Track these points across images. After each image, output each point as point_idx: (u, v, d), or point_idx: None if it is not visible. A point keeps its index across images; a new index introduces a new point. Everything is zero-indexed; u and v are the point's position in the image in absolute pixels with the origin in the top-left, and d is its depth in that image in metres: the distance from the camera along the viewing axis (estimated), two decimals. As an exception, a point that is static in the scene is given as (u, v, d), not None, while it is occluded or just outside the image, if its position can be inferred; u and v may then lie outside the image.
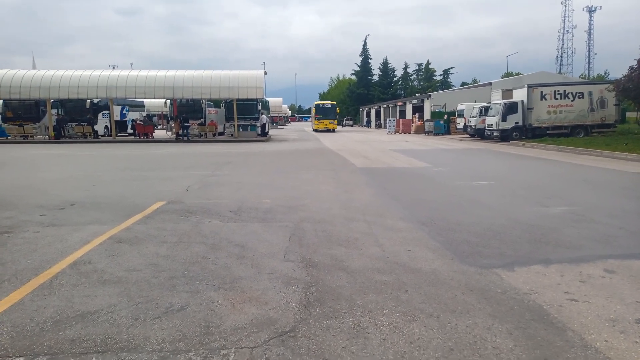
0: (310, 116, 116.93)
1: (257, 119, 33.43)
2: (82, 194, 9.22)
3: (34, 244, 5.56)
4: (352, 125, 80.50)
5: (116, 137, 32.68)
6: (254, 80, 30.61)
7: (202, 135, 32.62)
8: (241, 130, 32.59)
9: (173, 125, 33.15)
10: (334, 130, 49.16)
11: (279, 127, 67.17)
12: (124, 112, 37.39)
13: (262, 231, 6.23)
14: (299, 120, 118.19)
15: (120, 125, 35.76)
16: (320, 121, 49.45)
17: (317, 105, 52.61)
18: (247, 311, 3.68)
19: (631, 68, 20.83)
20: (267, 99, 49.46)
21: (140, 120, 36.35)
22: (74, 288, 4.16)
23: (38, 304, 3.82)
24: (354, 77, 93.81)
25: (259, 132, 33.21)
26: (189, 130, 31.84)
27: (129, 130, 36.33)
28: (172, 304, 3.82)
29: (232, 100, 31.80)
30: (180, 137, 31.16)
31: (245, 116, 33.14)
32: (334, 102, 56.84)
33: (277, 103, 70.10)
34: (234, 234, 6.04)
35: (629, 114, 35.43)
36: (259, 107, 34.95)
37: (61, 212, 7.45)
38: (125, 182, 11.06)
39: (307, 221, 6.81)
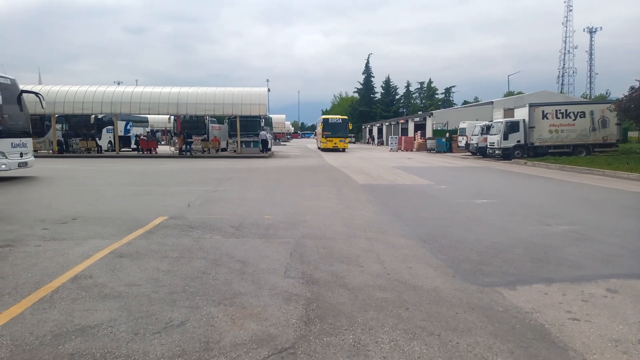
0: (313, 133, 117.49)
1: (259, 135, 33.64)
2: (84, 208, 9.25)
3: (35, 258, 5.57)
4: (354, 143, 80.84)
5: (120, 152, 32.85)
6: (258, 97, 30.87)
7: (205, 151, 32.77)
8: (244, 146, 32.75)
9: (176, 140, 33.33)
10: (344, 150, 41.76)
11: (282, 143, 67.45)
12: (128, 127, 37.66)
13: (263, 247, 6.22)
14: (301, 137, 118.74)
15: (124, 141, 35.99)
16: (329, 139, 41.59)
17: (325, 120, 43.29)
18: (247, 327, 3.66)
19: (632, 88, 20.99)
20: (270, 115, 49.80)
21: (144, 136, 36.58)
22: (74, 302, 4.16)
23: (38, 317, 3.81)
24: (356, 94, 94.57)
25: (261, 148, 33.37)
26: (192, 146, 32.01)
27: (133, 146, 36.54)
28: (172, 319, 3.80)
29: (235, 117, 32.02)
30: (184, 153, 31.31)
31: (248, 132, 33.35)
32: (345, 117, 46.52)
33: (280, 120, 70.56)
34: (235, 250, 6.04)
35: (630, 134, 35.56)
36: (262, 124, 35.20)
37: (63, 227, 7.46)
38: (127, 197, 11.09)
39: (308, 237, 6.80)
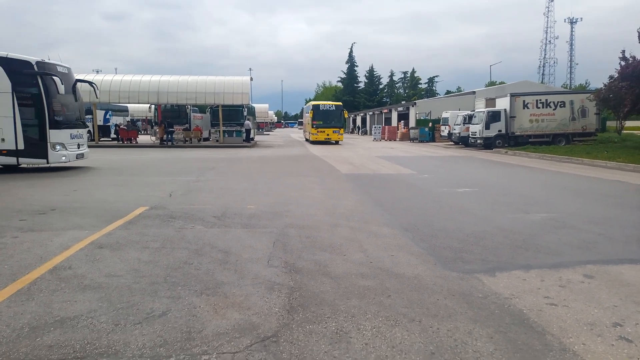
0: (296, 122, 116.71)
1: (242, 124, 33.39)
2: (63, 199, 9.08)
3: (12, 250, 5.46)
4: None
5: (99, 142, 32.26)
6: (240, 86, 30.55)
7: (187, 141, 32.39)
8: (226, 135, 32.47)
9: (157, 130, 32.87)
10: (337, 143, 35.37)
11: (265, 133, 67.05)
12: (107, 116, 36.97)
13: (246, 237, 6.20)
14: (285, 127, 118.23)
15: (104, 130, 35.34)
16: (320, 129, 34.95)
17: (316, 107, 36.32)
18: (230, 316, 3.65)
19: (611, 77, 21.34)
20: (253, 105, 49.27)
21: (123, 125, 35.96)
22: (53, 294, 4.09)
23: (15, 310, 3.75)
24: (340, 84, 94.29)
25: (244, 138, 33.13)
26: (174, 136, 31.60)
27: (112, 135, 35.90)
28: (153, 309, 3.78)
29: (217, 106, 31.70)
30: (165, 143, 30.90)
31: (230, 122, 33.02)
32: (340, 104, 39.02)
33: (263, 109, 69.95)
34: (218, 240, 6.01)
35: (609, 123, 36.23)
36: (245, 113, 34.91)
37: (41, 217, 7.32)
38: (107, 187, 10.92)
39: (291, 227, 6.80)
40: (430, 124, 40.11)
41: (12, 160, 13.38)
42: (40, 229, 6.55)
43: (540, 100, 27.39)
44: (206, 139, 35.10)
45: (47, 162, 13.62)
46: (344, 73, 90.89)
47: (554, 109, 27.17)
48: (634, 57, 19.02)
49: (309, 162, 18.61)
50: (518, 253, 5.56)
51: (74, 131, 14.43)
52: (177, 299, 3.98)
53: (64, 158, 13.78)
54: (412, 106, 49.98)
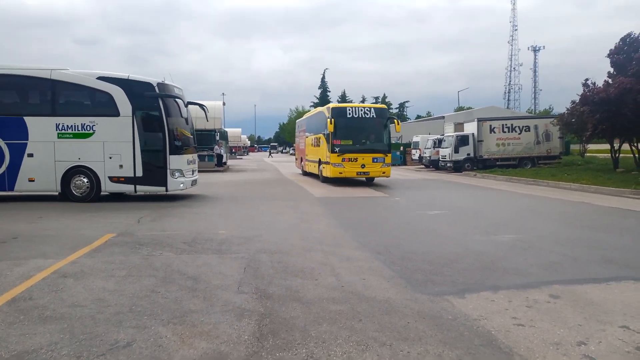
0: (268, 146, 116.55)
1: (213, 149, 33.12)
2: (26, 227, 8.76)
3: (-31, 280, 5.21)
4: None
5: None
6: (212, 110, 30.34)
7: (158, 166, 31.90)
8: (198, 160, 32.18)
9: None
10: (372, 181, 19.75)
11: (238, 157, 66.78)
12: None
13: (216, 263, 6.10)
14: (258, 151, 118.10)
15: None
16: (348, 155, 18.10)
17: (339, 112, 18.52)
18: (197, 346, 3.56)
19: (573, 102, 22.23)
20: (226, 129, 49.14)
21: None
22: (10, 326, 3.91)
23: (-31, 344, 3.56)
24: (312, 108, 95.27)
25: (216, 162, 32.91)
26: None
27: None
28: (117, 340, 3.65)
29: (190, 131, 31.43)
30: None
31: (202, 146, 32.79)
32: (383, 106, 22.32)
33: (236, 133, 69.81)
34: (187, 266, 5.89)
35: (572, 147, 37.57)
36: (217, 138, 34.75)
37: (1, 246, 7.03)
38: (72, 213, 10.61)
39: (263, 252, 6.73)
40: (401, 148, 40.79)
41: (129, 188, 12.58)
42: (-1, 258, 6.28)
43: (506, 124, 28.31)
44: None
45: (166, 190, 12.70)
46: (317, 98, 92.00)
47: (519, 133, 28.08)
48: (594, 84, 19.95)
49: (282, 186, 18.57)
50: (486, 274, 5.65)
51: (190, 156, 13.66)
52: (142, 329, 3.87)
53: (181, 185, 12.91)
54: (384, 130, 50.52)
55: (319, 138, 20.23)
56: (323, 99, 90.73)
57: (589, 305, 4.54)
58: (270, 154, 79.68)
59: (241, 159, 63.84)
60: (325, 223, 9.49)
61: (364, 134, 18.74)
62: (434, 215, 10.72)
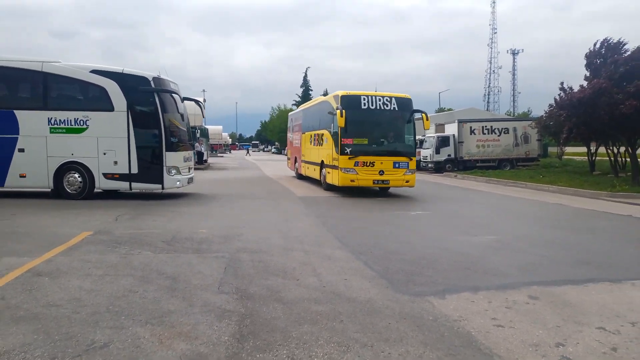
0: (250, 144, 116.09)
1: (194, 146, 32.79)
2: (-2, 224, 8.51)
3: (-63, 279, 5.02)
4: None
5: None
6: (192, 107, 30.13)
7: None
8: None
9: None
10: (388, 189, 15.79)
11: (219, 155, 66.21)
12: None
13: (196, 262, 6.02)
14: (239, 149, 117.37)
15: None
16: (363, 159, 13.99)
17: (351, 102, 14.16)
18: (176, 347, 3.50)
19: (551, 106, 22.62)
20: (207, 126, 48.64)
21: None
22: (-19, 327, 3.78)
23: (-64, 346, 3.42)
24: (295, 107, 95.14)
25: (197, 160, 32.61)
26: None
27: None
28: (94, 341, 3.56)
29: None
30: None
31: None
32: (407, 96, 15.11)
33: (217, 131, 69.08)
34: (166, 266, 5.79)
35: (550, 149, 38.30)
36: (198, 135, 34.40)
37: (-28, 243, 6.81)
38: (48, 210, 10.34)
39: (244, 251, 6.67)
40: (383, 148, 40.98)
41: (124, 185, 12.17)
42: (-30, 256, 6.08)
43: (485, 126, 28.70)
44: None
45: (162, 188, 12.34)
46: (299, 96, 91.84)
47: (498, 135, 28.51)
48: (571, 88, 20.31)
49: (263, 185, 18.46)
50: (467, 275, 5.70)
51: (186, 153, 13.29)
52: (120, 330, 3.78)
53: (178, 183, 12.56)
54: (366, 130, 50.60)
55: (322, 135, 16.31)
56: (305, 98, 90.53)
57: (567, 307, 4.61)
58: (248, 152, 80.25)
59: (222, 156, 63.32)
60: (307, 222, 9.46)
61: (383, 130, 14.68)
62: (416, 216, 10.80)
